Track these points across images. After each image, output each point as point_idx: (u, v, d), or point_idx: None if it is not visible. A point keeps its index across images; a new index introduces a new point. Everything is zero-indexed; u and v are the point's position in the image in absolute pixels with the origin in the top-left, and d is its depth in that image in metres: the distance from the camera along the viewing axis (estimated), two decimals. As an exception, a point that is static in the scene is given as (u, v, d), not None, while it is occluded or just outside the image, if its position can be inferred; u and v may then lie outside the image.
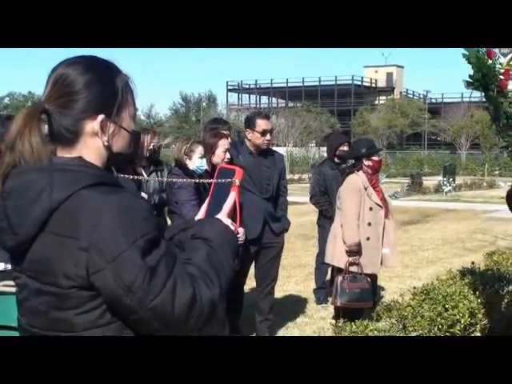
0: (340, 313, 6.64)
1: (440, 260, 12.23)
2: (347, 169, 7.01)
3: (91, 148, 1.87)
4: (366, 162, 6.59)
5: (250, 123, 6.65)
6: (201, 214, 2.18)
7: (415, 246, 13.97)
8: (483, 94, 5.00)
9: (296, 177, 39.27)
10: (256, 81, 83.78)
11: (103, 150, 1.89)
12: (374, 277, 6.88)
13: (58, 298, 1.77)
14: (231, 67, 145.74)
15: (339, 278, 6.48)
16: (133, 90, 1.97)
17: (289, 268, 11.36)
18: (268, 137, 6.60)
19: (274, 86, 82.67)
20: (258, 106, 78.70)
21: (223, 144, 6.07)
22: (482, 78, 4.79)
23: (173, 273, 1.75)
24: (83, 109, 1.85)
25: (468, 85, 4.92)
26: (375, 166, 6.62)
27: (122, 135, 1.92)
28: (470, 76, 4.89)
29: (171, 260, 1.78)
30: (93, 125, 1.86)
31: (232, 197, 2.11)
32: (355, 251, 6.44)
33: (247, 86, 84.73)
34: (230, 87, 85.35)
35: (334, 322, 6.36)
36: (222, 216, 2.07)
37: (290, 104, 79.20)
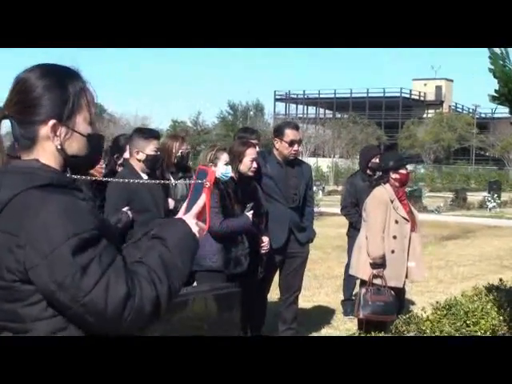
0: (363, 325, 6.63)
1: (475, 276, 12.05)
2: (374, 181, 7.01)
3: (47, 151, 2.00)
4: (393, 175, 6.58)
5: (278, 132, 6.69)
6: (180, 214, 2.23)
7: (452, 261, 13.81)
8: (509, 109, 4.97)
9: (340, 188, 39.08)
10: (304, 91, 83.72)
11: (57, 153, 2.01)
12: (400, 290, 6.84)
13: (5, 291, 1.88)
14: (279, 77, 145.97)
15: (363, 290, 6.47)
16: (89, 95, 2.07)
17: (321, 279, 11.36)
18: (296, 147, 6.63)
19: (322, 96, 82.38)
20: (305, 116, 78.57)
21: (250, 153, 6.12)
22: (509, 93, 4.76)
23: (107, 271, 1.84)
24: (37, 115, 1.97)
25: (493, 99, 4.89)
26: (402, 178, 6.59)
27: (76, 139, 2.03)
28: (495, 91, 4.86)
29: (107, 258, 1.86)
30: (46, 129, 1.98)
31: (202, 198, 2.16)
32: (379, 264, 6.41)
33: (295, 96, 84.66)
34: (277, 97, 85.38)
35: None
36: (188, 217, 2.13)
37: (338, 115, 78.96)
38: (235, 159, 6.08)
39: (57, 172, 1.99)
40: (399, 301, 6.89)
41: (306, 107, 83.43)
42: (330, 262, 12.85)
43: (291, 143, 6.58)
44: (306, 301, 9.51)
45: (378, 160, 8.11)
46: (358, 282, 7.77)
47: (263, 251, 6.25)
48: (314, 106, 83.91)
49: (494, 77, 4.70)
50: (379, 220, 6.46)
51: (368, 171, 8.29)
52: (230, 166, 5.87)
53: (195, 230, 2.10)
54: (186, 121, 78.31)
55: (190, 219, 2.12)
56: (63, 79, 2.02)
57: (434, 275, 11.95)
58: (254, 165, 6.15)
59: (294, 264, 6.76)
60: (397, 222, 6.50)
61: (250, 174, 6.16)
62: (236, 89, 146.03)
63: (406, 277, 6.67)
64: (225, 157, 5.86)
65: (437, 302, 5.99)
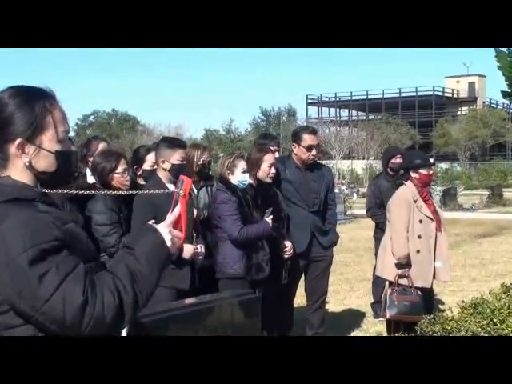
0: (391, 326, 6.60)
1: (510, 273, 11.87)
2: (397, 180, 6.99)
3: (18, 168, 2.11)
4: (413, 175, 6.54)
5: (296, 138, 6.68)
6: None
7: (486, 259, 13.64)
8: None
9: (374, 190, 38.83)
10: (335, 94, 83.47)
11: (27, 170, 2.12)
12: (428, 290, 6.79)
13: None
14: (311, 81, 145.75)
15: (388, 291, 6.46)
16: (56, 113, 2.15)
17: (353, 281, 11.31)
18: (314, 152, 6.62)
19: (354, 98, 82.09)
20: (337, 118, 78.32)
21: (268, 159, 6.13)
22: (517, 89, 4.77)
23: (65, 280, 1.91)
24: (8, 133, 2.08)
25: (504, 96, 4.88)
26: (422, 179, 6.53)
27: (44, 156, 2.13)
28: (508, 86, 4.84)
29: (66, 268, 1.93)
30: (15, 147, 2.08)
31: (177, 208, 2.18)
32: (404, 264, 6.38)
33: (327, 100, 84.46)
34: (309, 101, 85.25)
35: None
36: (162, 226, 2.16)
37: (371, 116, 78.54)
38: (253, 166, 6.10)
39: (24, 187, 2.08)
40: (428, 301, 6.85)
41: (338, 110, 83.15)
42: (363, 265, 12.77)
43: (309, 148, 6.57)
44: (337, 304, 9.49)
45: (397, 160, 8.10)
46: (387, 283, 7.74)
47: (286, 256, 6.24)
48: (347, 109, 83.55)
49: (503, 74, 4.71)
50: (403, 219, 6.43)
51: (389, 171, 8.27)
52: (247, 174, 5.88)
53: (167, 238, 2.15)
54: (219, 129, 78.56)
55: (164, 228, 2.17)
56: (31, 99, 2.11)
57: (467, 274, 11.83)
58: (273, 171, 6.15)
59: (318, 268, 6.74)
60: (421, 221, 6.45)
61: (269, 180, 6.17)
62: (268, 95, 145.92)
63: (434, 277, 6.62)
64: (242, 164, 5.88)
65: (463, 301, 5.90)
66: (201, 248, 5.55)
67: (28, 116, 2.09)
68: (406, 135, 65.82)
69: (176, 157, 5.49)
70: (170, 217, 2.21)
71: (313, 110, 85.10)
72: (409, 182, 6.59)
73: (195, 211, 6.12)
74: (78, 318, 1.91)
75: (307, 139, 6.59)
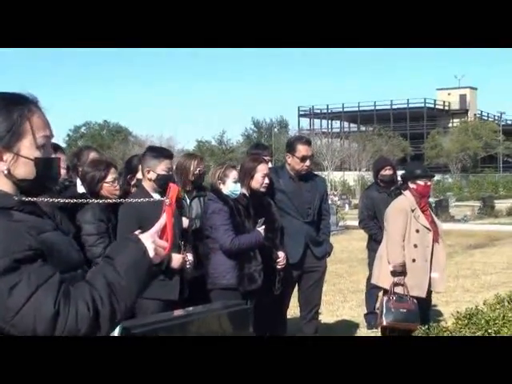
0: (387, 334, 6.57)
1: (503, 284, 11.86)
2: (395, 190, 7.00)
3: None
4: (411, 185, 6.56)
5: (290, 148, 6.63)
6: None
7: (478, 270, 13.61)
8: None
9: (366, 201, 38.87)
10: (327, 105, 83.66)
11: (5, 178, 2.06)
12: (425, 300, 6.75)
13: None
14: (302, 92, 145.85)
15: (385, 298, 6.47)
16: (35, 119, 2.09)
17: (346, 292, 11.25)
18: (307, 163, 6.57)
19: (346, 110, 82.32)
20: (329, 130, 78.44)
21: (262, 169, 6.07)
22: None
23: (37, 291, 1.85)
24: None
25: None
26: (419, 190, 6.54)
27: (23, 163, 2.07)
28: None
29: (38, 278, 1.87)
30: None
31: (163, 216, 2.11)
32: (399, 272, 6.38)
33: (319, 111, 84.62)
34: (301, 112, 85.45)
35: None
36: (146, 235, 2.10)
37: (362, 128, 78.72)
38: (247, 175, 6.05)
39: (2, 195, 2.03)
40: (424, 311, 6.82)
41: (330, 121, 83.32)
42: (356, 276, 12.73)
43: (303, 159, 6.52)
44: (329, 315, 9.43)
45: (387, 172, 8.13)
46: (380, 294, 7.70)
47: (279, 267, 6.18)
48: (338, 120, 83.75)
49: None
50: (398, 228, 6.44)
51: (380, 183, 8.26)
52: (238, 184, 5.83)
53: (150, 248, 2.07)
54: (211, 140, 78.52)
55: (147, 238, 2.09)
56: (8, 106, 2.06)
57: (460, 284, 11.80)
58: (266, 180, 6.10)
59: (312, 279, 6.67)
60: (418, 231, 6.46)
61: (262, 189, 6.11)
62: (259, 106, 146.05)
63: (430, 287, 6.59)
64: (234, 174, 5.82)
65: (457, 312, 5.86)
66: (189, 257, 5.50)
67: (5, 123, 2.04)
68: (397, 147, 65.98)
69: (162, 167, 5.41)
70: (155, 226, 2.13)
71: (305, 122, 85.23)
72: (407, 191, 6.62)
73: (186, 221, 6.07)
74: (49, 331, 1.85)
75: (301, 150, 6.54)
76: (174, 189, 2.15)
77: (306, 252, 6.55)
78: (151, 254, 2.05)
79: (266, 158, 6.68)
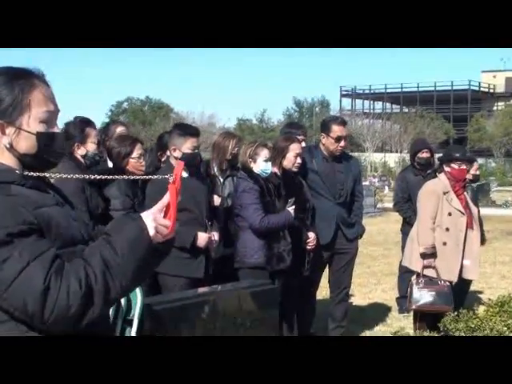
0: (418, 318, 6.48)
1: (542, 271, 11.67)
2: (432, 173, 6.91)
3: None
4: (446, 168, 6.43)
5: (325, 128, 6.56)
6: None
7: (518, 256, 13.40)
8: None
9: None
10: (370, 86, 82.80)
11: (9, 152, 2.06)
12: (461, 285, 6.67)
13: None
14: (345, 72, 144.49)
15: (414, 281, 6.36)
16: (39, 93, 2.09)
17: (379, 275, 11.16)
18: (342, 143, 6.49)
19: (388, 91, 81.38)
20: (371, 111, 77.75)
21: (294, 148, 6.01)
22: None
23: (29, 265, 1.85)
24: None
25: None
26: (454, 173, 6.40)
27: (24, 137, 2.06)
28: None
29: (30, 253, 1.87)
30: None
31: (166, 195, 2.07)
32: (429, 254, 6.27)
33: (361, 92, 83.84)
34: (343, 92, 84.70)
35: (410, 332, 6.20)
36: (147, 214, 2.06)
37: (405, 109, 77.85)
38: (278, 154, 5.99)
39: (4, 169, 2.03)
40: (459, 296, 6.74)
41: (372, 102, 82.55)
42: (390, 259, 12.59)
43: (338, 139, 6.44)
44: (362, 298, 9.37)
45: (424, 154, 7.99)
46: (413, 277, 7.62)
47: (309, 247, 6.14)
48: (381, 101, 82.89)
49: None
50: (429, 210, 6.35)
51: (416, 165, 8.14)
52: (269, 163, 5.77)
53: (151, 226, 2.03)
54: (252, 119, 78.39)
55: (148, 216, 2.05)
56: (10, 80, 2.06)
57: (497, 271, 11.62)
58: (298, 160, 6.04)
59: (342, 260, 6.62)
60: (450, 214, 6.34)
61: (294, 169, 6.06)
62: (301, 85, 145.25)
63: (461, 272, 6.48)
64: (265, 153, 5.76)
65: (489, 299, 5.76)
66: (215, 236, 5.49)
67: (8, 97, 2.04)
68: (440, 129, 65.09)
69: (187, 145, 5.38)
70: (158, 204, 2.09)
71: (346, 102, 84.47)
72: (442, 174, 6.50)
73: (218, 199, 6.05)
74: (38, 305, 1.84)
75: (336, 130, 6.46)
76: (178, 166, 2.10)
77: (337, 233, 6.49)
78: (151, 232, 2.01)
79: (299, 137, 6.61)
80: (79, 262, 1.94)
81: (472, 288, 9.45)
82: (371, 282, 10.57)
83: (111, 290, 1.94)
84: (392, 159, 58.01)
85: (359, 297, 9.38)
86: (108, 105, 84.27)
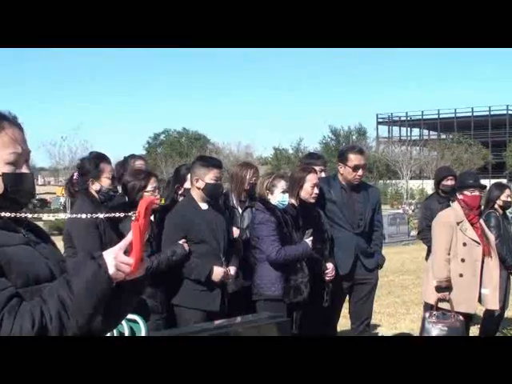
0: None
1: None
2: (448, 202, 6.84)
3: None
4: (459, 196, 6.35)
5: (342, 157, 6.55)
6: None
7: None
8: None
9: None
10: (406, 113, 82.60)
11: None
12: (490, 313, 6.59)
13: None
14: (381, 99, 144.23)
15: (427, 314, 6.27)
16: (6, 136, 2.17)
17: (409, 304, 11.05)
18: (360, 172, 6.47)
19: (425, 117, 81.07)
20: (408, 138, 77.40)
21: (311, 179, 6.03)
22: None
23: None
24: None
25: None
26: (467, 201, 6.30)
27: None
28: None
29: None
30: None
31: (130, 233, 2.09)
32: (444, 287, 6.17)
33: (397, 119, 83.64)
34: (379, 120, 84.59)
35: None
36: (109, 252, 2.09)
37: (442, 136, 77.37)
38: (296, 185, 6.01)
39: None
40: (489, 324, 6.65)
41: (409, 129, 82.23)
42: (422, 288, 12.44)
43: (355, 168, 6.43)
44: (389, 328, 9.28)
45: (449, 182, 7.91)
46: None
47: (327, 278, 6.12)
48: (417, 128, 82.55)
49: None
50: (442, 242, 6.26)
51: (441, 193, 8.07)
52: (287, 194, 5.79)
53: (111, 265, 2.05)
54: (288, 148, 78.46)
55: (109, 255, 2.07)
56: None
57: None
58: (316, 191, 6.04)
59: (363, 291, 6.56)
60: (465, 244, 6.24)
61: (312, 200, 6.07)
62: (337, 113, 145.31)
63: (480, 302, 6.40)
64: (282, 184, 5.79)
65: (508, 329, 5.68)
66: (231, 271, 5.50)
67: None
68: (477, 155, 64.54)
69: (210, 176, 5.44)
70: (121, 242, 2.12)
71: (383, 129, 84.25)
72: (455, 203, 6.42)
73: (237, 231, 6.06)
74: None
75: (353, 159, 6.45)
76: (142, 203, 2.11)
77: (356, 263, 6.45)
78: (111, 270, 2.04)
79: (318, 167, 6.62)
80: (37, 301, 1.98)
81: (507, 314, 9.31)
82: (400, 311, 10.47)
83: (67, 329, 1.97)
84: (429, 186, 57.46)
85: (386, 327, 9.29)
86: (146, 137, 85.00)
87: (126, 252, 2.10)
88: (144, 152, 77.46)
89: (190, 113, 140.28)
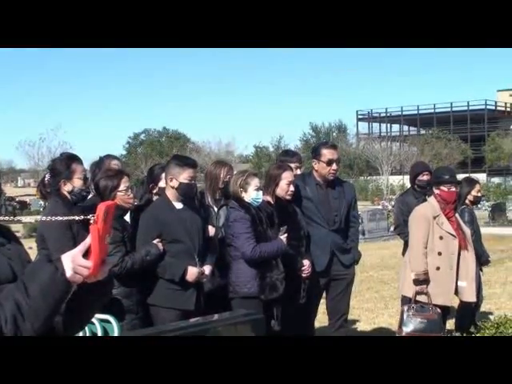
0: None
1: (552, 292, 11.53)
2: (425, 196, 6.88)
3: None
4: (436, 191, 6.40)
5: (315, 153, 6.58)
6: None
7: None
8: None
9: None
10: (386, 109, 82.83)
11: None
12: (465, 306, 6.65)
13: None
14: (361, 96, 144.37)
15: (405, 307, 6.31)
16: None
17: (388, 299, 11.09)
18: (334, 166, 6.49)
19: (405, 113, 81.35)
20: (388, 134, 77.65)
21: (287, 176, 6.05)
22: None
23: None
24: None
25: None
26: (443, 196, 6.36)
27: None
28: None
29: None
30: None
31: (88, 237, 2.08)
32: (422, 280, 6.23)
33: (377, 115, 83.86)
34: (360, 116, 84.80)
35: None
36: (67, 256, 2.08)
37: (422, 131, 77.73)
38: (271, 183, 6.03)
39: None
40: (465, 317, 6.68)
41: (389, 125, 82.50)
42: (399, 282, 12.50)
43: (329, 162, 6.45)
44: (367, 323, 9.32)
45: (424, 177, 7.94)
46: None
47: (304, 275, 6.13)
48: (397, 124, 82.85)
49: None
50: (420, 235, 6.31)
51: (417, 188, 8.10)
52: (260, 191, 5.80)
53: (69, 268, 2.05)
54: (269, 145, 78.50)
55: (67, 258, 2.07)
56: None
57: (507, 291, 11.51)
58: (291, 188, 6.07)
59: (339, 287, 6.59)
60: (441, 237, 6.30)
61: (288, 197, 6.09)
62: (318, 110, 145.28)
63: (456, 294, 6.45)
64: (255, 182, 5.80)
65: (483, 321, 5.72)
66: (206, 270, 5.50)
67: None
68: (456, 150, 64.91)
69: (185, 175, 5.44)
70: (79, 246, 2.10)
71: (363, 126, 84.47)
72: (432, 197, 6.47)
73: (212, 230, 6.06)
74: None
75: (327, 153, 6.48)
76: (101, 206, 2.10)
77: (332, 260, 6.48)
78: (68, 274, 2.03)
79: (293, 165, 6.64)
80: None
81: (480, 309, 9.38)
82: (379, 306, 10.51)
83: (22, 333, 1.97)
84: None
85: (365, 322, 9.33)
86: (125, 137, 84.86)
87: (86, 255, 2.09)
88: (124, 152, 77.29)
89: (170, 112, 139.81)
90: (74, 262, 2.05)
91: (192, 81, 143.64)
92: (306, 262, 6.17)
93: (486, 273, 11.40)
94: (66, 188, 5.02)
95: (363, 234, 21.98)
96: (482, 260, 7.54)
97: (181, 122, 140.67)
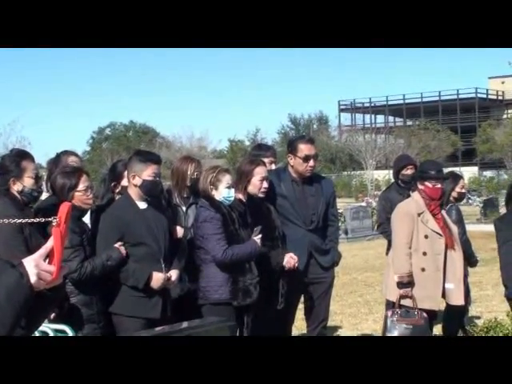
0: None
1: (547, 292, 11.60)
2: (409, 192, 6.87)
3: None
4: (420, 186, 6.38)
5: (291, 148, 6.58)
6: None
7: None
8: None
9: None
10: (370, 98, 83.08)
11: None
12: (461, 309, 6.69)
13: None
14: (343, 85, 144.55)
15: (389, 313, 6.30)
16: None
17: (372, 304, 11.15)
18: (311, 163, 6.49)
19: (390, 103, 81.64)
20: (373, 125, 77.91)
21: (259, 172, 6.04)
22: None
23: None
24: None
25: None
26: (428, 192, 6.33)
27: None
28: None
29: None
30: None
31: (50, 239, 2.08)
32: (406, 283, 6.20)
33: (361, 105, 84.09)
34: (342, 107, 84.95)
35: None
36: (29, 260, 2.08)
37: (409, 122, 78.02)
38: (243, 179, 6.02)
39: None
40: (453, 321, 6.72)
41: (373, 116, 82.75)
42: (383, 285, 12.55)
43: (306, 158, 6.44)
44: (350, 329, 9.35)
45: (409, 171, 7.94)
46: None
47: (288, 266, 6.09)
48: (382, 115, 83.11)
49: None
50: (403, 235, 6.29)
51: (400, 183, 8.11)
52: (232, 189, 5.79)
53: (32, 273, 2.05)
54: (244, 139, 78.47)
55: (30, 263, 2.06)
56: None
57: (499, 293, 11.56)
58: (265, 185, 6.05)
59: (318, 291, 6.59)
60: (427, 236, 6.27)
61: (261, 195, 6.08)
62: (297, 100, 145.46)
63: (443, 297, 6.47)
64: (227, 178, 5.78)
65: (472, 326, 5.76)
66: (173, 276, 5.47)
67: None
68: (446, 142, 65.20)
69: (148, 172, 5.40)
70: (41, 250, 2.10)
71: (345, 117, 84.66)
72: (415, 193, 6.44)
73: (181, 230, 6.03)
74: None
75: (303, 149, 6.47)
76: (63, 207, 2.09)
77: (310, 262, 6.48)
78: (32, 279, 2.04)
79: (267, 159, 6.64)
80: None
81: (470, 312, 9.44)
82: (362, 311, 10.56)
83: None
84: (396, 176, 57.97)
85: (347, 328, 9.36)
86: (89, 131, 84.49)
87: (45, 259, 2.09)
88: (88, 148, 77.01)
89: (138, 104, 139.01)
90: (37, 267, 2.05)
91: (161, 71, 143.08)
92: (288, 255, 6.14)
93: (478, 273, 11.52)
94: (16, 187, 4.96)
95: (346, 233, 22.05)
96: (471, 260, 7.58)
97: (149, 115, 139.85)
